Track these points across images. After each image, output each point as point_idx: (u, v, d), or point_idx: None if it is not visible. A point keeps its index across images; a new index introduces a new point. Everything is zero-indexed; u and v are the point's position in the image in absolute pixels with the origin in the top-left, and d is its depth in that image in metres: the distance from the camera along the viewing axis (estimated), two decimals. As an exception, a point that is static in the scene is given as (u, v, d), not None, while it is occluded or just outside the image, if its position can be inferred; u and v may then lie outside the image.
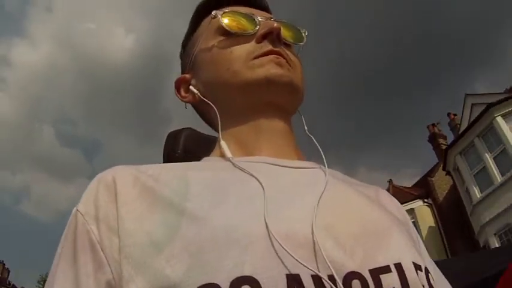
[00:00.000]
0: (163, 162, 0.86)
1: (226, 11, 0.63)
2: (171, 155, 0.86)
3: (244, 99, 0.59)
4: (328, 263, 0.42)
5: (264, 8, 0.69)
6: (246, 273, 0.39)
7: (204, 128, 0.73)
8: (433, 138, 18.01)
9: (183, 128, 0.91)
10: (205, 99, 0.63)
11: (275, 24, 0.60)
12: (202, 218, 0.44)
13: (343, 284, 0.41)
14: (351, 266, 0.43)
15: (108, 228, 0.45)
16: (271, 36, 0.60)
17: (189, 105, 0.70)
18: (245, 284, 0.38)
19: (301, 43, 0.66)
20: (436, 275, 0.56)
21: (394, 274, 0.45)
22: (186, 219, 0.44)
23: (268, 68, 0.58)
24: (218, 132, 0.60)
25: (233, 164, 0.54)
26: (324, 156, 0.59)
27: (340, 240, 0.45)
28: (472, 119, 12.88)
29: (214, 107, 0.61)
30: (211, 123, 0.68)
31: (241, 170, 0.52)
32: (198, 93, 0.64)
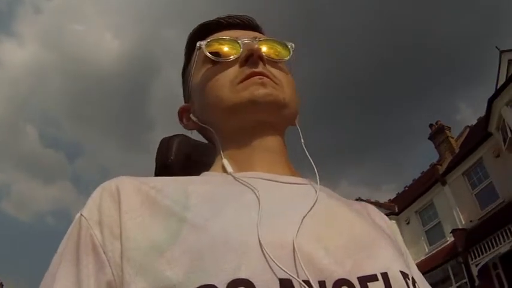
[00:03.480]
0: (156, 168, 0.89)
1: (211, 39, 0.65)
2: (164, 161, 0.88)
3: (234, 122, 0.62)
4: (319, 270, 0.44)
5: (253, 27, 0.71)
6: (242, 276, 0.41)
7: (194, 135, 0.75)
8: (438, 133, 16.71)
9: (176, 135, 0.92)
10: (203, 124, 0.67)
11: (255, 46, 0.62)
12: (202, 226, 0.46)
13: None
14: (340, 273, 0.45)
15: (111, 234, 0.47)
16: (252, 58, 0.61)
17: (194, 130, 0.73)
18: (241, 286, 0.40)
19: (286, 58, 0.67)
20: (423, 285, 0.58)
21: (380, 282, 0.46)
22: (187, 226, 0.46)
23: (252, 90, 0.59)
24: (219, 152, 0.64)
25: (234, 177, 0.57)
26: (316, 172, 0.60)
27: (330, 250, 0.47)
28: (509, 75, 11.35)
29: (212, 130, 0.65)
30: (213, 144, 0.69)
31: (240, 184, 0.55)
32: (197, 120, 0.68)
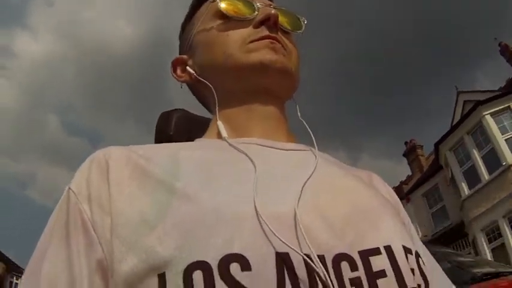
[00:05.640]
0: (155, 143, 0.86)
1: None
2: (163, 135, 0.86)
3: (237, 83, 0.60)
4: (317, 244, 0.42)
5: None
6: (235, 250, 0.39)
7: (196, 110, 0.74)
8: (410, 152, 18.55)
9: (175, 109, 0.91)
10: (202, 79, 0.64)
11: (273, 11, 0.61)
12: (193, 197, 0.44)
13: (332, 265, 0.42)
14: (340, 248, 0.43)
15: (100, 208, 0.45)
16: (269, 22, 0.60)
17: (184, 86, 0.71)
18: (234, 262, 0.39)
19: (299, 31, 0.67)
20: (427, 259, 0.55)
21: (383, 256, 0.45)
22: (177, 198, 0.44)
23: (263, 53, 0.58)
24: (215, 112, 0.61)
25: (228, 143, 0.55)
26: (314, 138, 0.60)
27: (330, 220, 0.46)
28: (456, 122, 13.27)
29: (211, 87, 0.61)
30: (205, 103, 0.70)
31: (235, 150, 0.53)
32: (195, 74, 0.65)
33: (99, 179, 0.48)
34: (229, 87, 0.61)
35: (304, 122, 0.63)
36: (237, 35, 0.60)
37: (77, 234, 0.45)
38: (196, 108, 0.74)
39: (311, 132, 0.61)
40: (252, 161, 0.50)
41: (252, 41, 0.59)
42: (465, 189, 12.87)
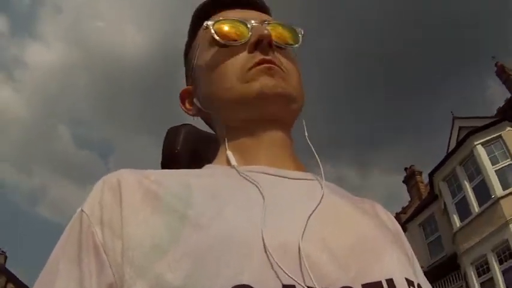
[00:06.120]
0: (162, 158, 0.89)
1: (219, 19, 0.63)
2: (169, 151, 0.87)
3: (241, 114, 0.61)
4: (321, 276, 0.43)
5: (260, 7, 0.69)
6: (245, 281, 0.41)
7: (203, 125, 0.74)
8: (410, 178, 18.42)
9: (183, 124, 0.91)
10: (208, 111, 0.65)
11: (265, 31, 0.60)
12: (204, 225, 0.45)
13: None
14: (344, 280, 0.44)
15: (112, 231, 0.46)
16: (262, 44, 0.60)
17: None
18: None
19: (295, 45, 0.66)
20: None
21: None
22: (188, 225, 0.45)
23: (261, 81, 0.58)
24: (223, 141, 0.63)
25: (238, 172, 0.55)
26: (321, 168, 0.60)
27: (334, 252, 0.47)
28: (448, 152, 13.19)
29: (218, 119, 0.64)
30: (216, 132, 0.70)
31: (244, 179, 0.54)
32: (201, 107, 0.66)
33: (112, 202, 0.49)
34: (235, 118, 0.62)
35: (311, 144, 0.64)
36: (233, 66, 0.61)
37: (88, 257, 0.46)
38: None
39: (319, 160, 0.61)
40: (260, 191, 0.51)
41: (249, 69, 0.60)
42: (457, 221, 12.62)
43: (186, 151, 0.87)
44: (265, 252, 0.43)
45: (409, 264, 0.54)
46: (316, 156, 0.62)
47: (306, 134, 0.66)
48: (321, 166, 0.60)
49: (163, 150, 0.90)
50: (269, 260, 0.43)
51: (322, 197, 0.53)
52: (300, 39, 0.66)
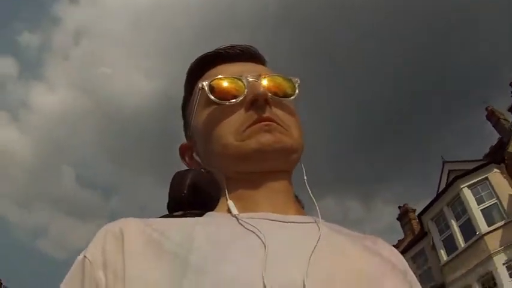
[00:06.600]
0: (169, 201, 0.93)
1: (213, 79, 0.63)
2: (176, 195, 0.90)
3: (240, 167, 0.61)
4: None
5: (255, 58, 0.70)
6: None
7: None
8: (403, 215, 19.58)
9: (188, 169, 0.90)
10: (208, 167, 0.67)
11: (261, 89, 0.61)
12: (206, 271, 0.46)
13: None
14: None
15: (115, 277, 0.47)
16: (258, 103, 0.60)
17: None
18: None
19: (291, 98, 0.65)
20: None
21: None
22: (191, 271, 0.46)
23: (259, 138, 0.58)
24: (224, 192, 0.63)
25: (238, 220, 0.56)
26: (318, 209, 0.61)
27: None
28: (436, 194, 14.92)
29: (218, 173, 0.65)
30: (218, 183, 0.70)
31: (245, 226, 0.54)
32: (201, 162, 0.68)
33: (115, 249, 0.50)
34: (234, 171, 0.62)
35: (309, 188, 0.65)
36: (231, 126, 0.61)
37: None
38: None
39: (315, 202, 0.63)
40: (262, 236, 0.52)
41: (246, 128, 0.60)
42: (444, 256, 14.23)
43: (191, 196, 0.92)
44: None
45: None
46: (313, 198, 0.64)
47: (305, 177, 0.66)
48: (317, 207, 0.62)
49: (169, 193, 0.95)
50: None
51: (319, 239, 0.54)
52: (297, 90, 0.66)
